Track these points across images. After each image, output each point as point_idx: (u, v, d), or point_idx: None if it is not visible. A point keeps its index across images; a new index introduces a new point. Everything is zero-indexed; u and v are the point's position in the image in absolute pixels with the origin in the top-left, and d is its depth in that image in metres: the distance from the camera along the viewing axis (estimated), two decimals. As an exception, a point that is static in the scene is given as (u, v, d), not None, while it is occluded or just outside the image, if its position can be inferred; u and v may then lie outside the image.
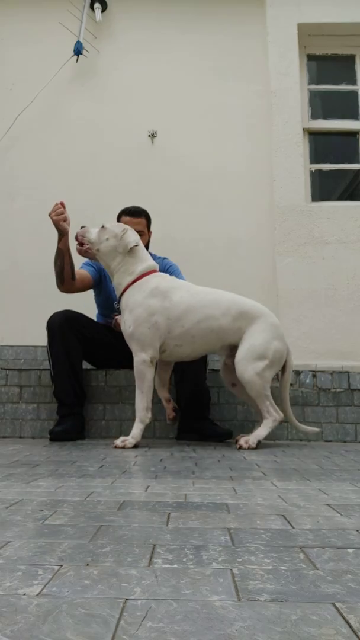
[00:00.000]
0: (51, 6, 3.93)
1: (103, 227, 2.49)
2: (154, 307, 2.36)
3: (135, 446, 2.30)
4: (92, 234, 2.50)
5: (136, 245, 2.44)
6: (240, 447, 2.28)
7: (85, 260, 2.95)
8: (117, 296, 2.51)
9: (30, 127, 3.85)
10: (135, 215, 2.89)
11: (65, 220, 2.62)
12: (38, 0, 3.98)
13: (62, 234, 2.65)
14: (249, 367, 2.35)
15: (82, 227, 2.55)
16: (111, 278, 2.54)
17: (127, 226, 2.52)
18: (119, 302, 2.49)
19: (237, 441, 2.36)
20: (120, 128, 3.87)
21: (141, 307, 2.37)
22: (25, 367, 3.19)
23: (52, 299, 3.22)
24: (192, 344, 2.42)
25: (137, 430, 2.34)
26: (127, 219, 2.87)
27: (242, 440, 2.30)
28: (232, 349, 2.47)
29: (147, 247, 2.95)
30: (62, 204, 2.63)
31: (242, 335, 2.42)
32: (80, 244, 2.52)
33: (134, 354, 2.39)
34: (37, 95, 3.80)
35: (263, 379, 2.36)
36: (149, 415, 2.37)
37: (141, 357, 2.36)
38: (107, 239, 2.46)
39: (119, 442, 2.30)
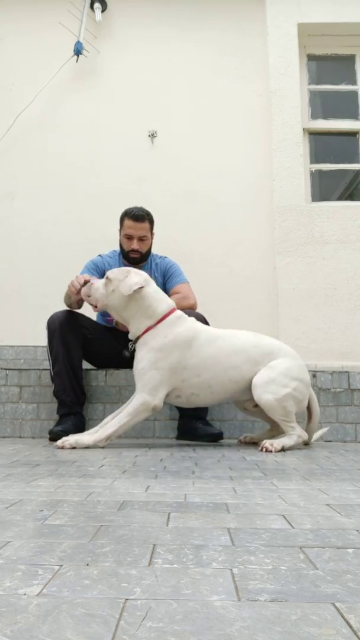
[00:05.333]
0: (51, 6, 3.93)
1: (107, 278, 2.36)
2: (173, 357, 2.27)
3: (73, 447, 2.18)
4: (98, 289, 2.37)
5: (141, 288, 2.30)
6: (266, 450, 2.17)
7: (87, 263, 2.94)
8: (132, 337, 2.38)
9: (30, 127, 3.85)
10: (139, 220, 2.84)
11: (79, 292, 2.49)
12: (38, 0, 3.98)
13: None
14: (268, 391, 2.25)
15: (85, 283, 2.41)
16: (127, 325, 2.41)
17: (130, 269, 2.38)
18: (133, 344, 2.36)
19: (261, 447, 2.23)
20: (120, 128, 3.87)
21: (161, 352, 2.27)
22: (25, 367, 3.19)
23: (52, 299, 3.22)
24: (210, 393, 2.34)
25: (88, 440, 2.20)
26: (131, 223, 2.84)
27: (268, 443, 2.21)
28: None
29: (149, 250, 2.94)
30: (85, 281, 2.46)
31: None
32: (90, 303, 2.42)
33: (136, 392, 2.30)
34: (37, 95, 3.80)
35: (284, 406, 2.26)
36: (104, 442, 2.24)
37: (143, 399, 2.26)
38: (113, 290, 2.33)
39: (60, 443, 2.20)
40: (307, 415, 2.46)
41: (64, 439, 2.23)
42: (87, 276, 2.49)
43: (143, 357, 2.29)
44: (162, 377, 2.27)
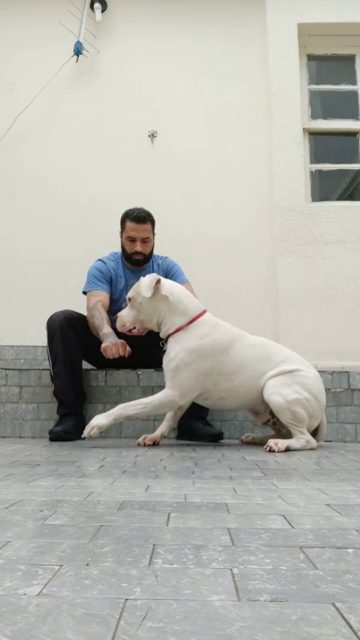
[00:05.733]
0: (51, 6, 3.93)
1: (128, 299, 2.40)
2: (208, 362, 2.27)
3: (100, 433, 2.23)
4: (128, 315, 2.39)
5: (158, 281, 2.32)
6: (271, 450, 2.16)
7: (92, 272, 2.89)
8: (164, 335, 2.38)
9: (30, 127, 3.85)
10: (141, 221, 2.82)
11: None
12: (38, 0, 3.98)
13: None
14: (278, 391, 2.25)
15: (116, 318, 2.45)
16: (159, 329, 2.40)
17: (140, 280, 2.38)
18: (165, 342, 2.36)
19: (266, 446, 2.22)
20: (121, 128, 3.87)
21: (196, 354, 2.26)
22: (25, 367, 3.19)
23: (52, 299, 3.22)
24: (237, 398, 2.35)
25: (106, 421, 2.21)
26: (133, 225, 2.82)
27: (272, 442, 2.19)
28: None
29: (152, 251, 2.93)
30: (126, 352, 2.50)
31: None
32: (129, 330, 2.42)
33: (167, 387, 2.28)
34: (37, 95, 3.80)
35: (293, 411, 2.24)
36: (121, 419, 2.28)
37: (173, 396, 2.25)
38: (141, 303, 2.35)
39: (85, 433, 2.23)
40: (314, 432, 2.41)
41: (87, 429, 2.23)
42: (115, 352, 2.48)
43: (177, 355, 2.27)
44: (196, 381, 2.27)
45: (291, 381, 2.29)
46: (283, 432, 2.44)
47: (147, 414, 2.29)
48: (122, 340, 2.51)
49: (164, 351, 2.38)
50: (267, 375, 2.32)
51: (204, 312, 2.39)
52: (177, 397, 2.27)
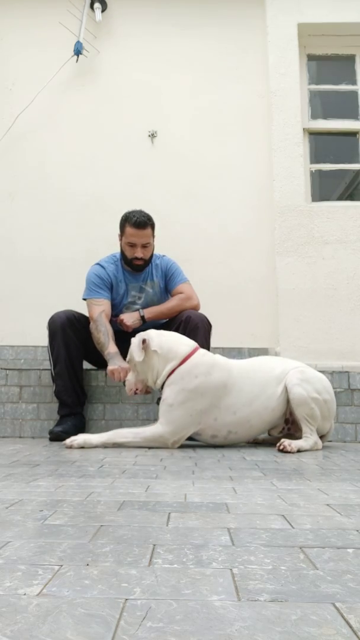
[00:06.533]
0: (51, 6, 3.93)
1: (129, 362, 2.40)
2: (205, 401, 2.23)
3: (82, 447, 2.21)
4: (131, 379, 2.38)
5: (144, 341, 2.31)
6: (284, 449, 2.14)
7: (91, 278, 2.85)
8: (158, 387, 2.34)
9: (30, 127, 3.85)
10: (141, 227, 2.75)
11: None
12: (38, 1, 3.98)
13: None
14: (302, 386, 2.26)
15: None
16: (153, 383, 2.35)
17: (138, 338, 2.34)
18: (161, 390, 2.32)
19: (280, 444, 2.20)
20: (120, 128, 3.87)
21: (192, 393, 2.22)
22: (25, 367, 3.19)
23: (52, 299, 3.22)
24: (249, 428, 2.32)
25: (97, 441, 2.21)
26: (133, 230, 2.75)
27: (286, 442, 2.18)
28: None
29: (152, 255, 2.91)
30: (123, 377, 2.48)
31: None
32: (135, 393, 2.41)
33: (159, 423, 2.25)
34: (37, 95, 3.80)
35: (311, 405, 2.25)
36: (110, 445, 2.23)
37: (164, 433, 2.21)
38: (135, 365, 2.34)
39: (68, 442, 2.22)
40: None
41: (73, 438, 2.23)
42: (123, 375, 2.48)
43: (170, 394, 2.24)
44: (191, 419, 2.24)
45: (310, 376, 2.33)
46: (297, 435, 2.41)
47: (137, 444, 2.25)
48: (127, 365, 2.48)
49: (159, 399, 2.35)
50: (277, 393, 2.31)
51: (195, 349, 2.33)
52: (168, 433, 2.22)
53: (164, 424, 2.24)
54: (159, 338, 2.34)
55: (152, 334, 2.36)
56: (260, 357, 2.47)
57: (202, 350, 2.36)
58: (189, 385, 2.23)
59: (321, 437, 2.38)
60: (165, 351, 2.30)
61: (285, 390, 2.32)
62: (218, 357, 2.37)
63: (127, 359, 2.43)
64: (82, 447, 2.20)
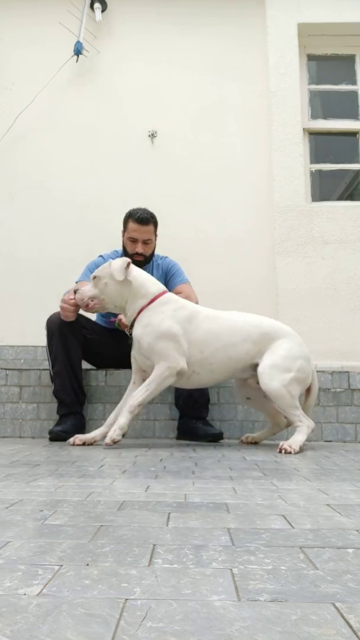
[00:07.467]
0: (51, 6, 3.93)
1: (94, 277, 2.38)
2: (175, 329, 2.28)
3: (123, 435, 2.24)
4: (89, 290, 2.38)
5: (129, 264, 2.35)
6: (286, 451, 2.16)
7: (88, 265, 2.90)
8: (129, 321, 2.39)
9: (30, 127, 3.85)
10: (144, 223, 2.80)
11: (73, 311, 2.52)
12: (38, 0, 3.98)
13: None
14: (275, 378, 2.26)
15: (74, 292, 2.43)
16: (123, 313, 2.42)
17: (111, 262, 2.37)
18: (130, 328, 2.38)
19: (280, 449, 2.19)
20: (121, 128, 3.87)
21: (162, 326, 2.27)
22: (25, 367, 3.19)
23: (52, 299, 3.21)
24: (210, 372, 2.35)
25: (124, 419, 2.24)
26: (135, 226, 2.80)
27: (286, 444, 2.17)
28: (254, 367, 2.38)
29: (153, 252, 2.92)
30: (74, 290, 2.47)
31: (264, 353, 2.34)
32: (86, 305, 2.41)
33: (155, 366, 2.27)
34: (37, 95, 3.80)
35: (290, 392, 2.27)
36: (139, 411, 2.30)
37: (167, 364, 2.25)
38: (106, 284, 2.34)
39: (108, 440, 2.22)
40: (305, 393, 2.44)
41: (109, 435, 2.24)
42: (70, 293, 2.48)
43: (144, 332, 2.29)
44: (174, 344, 2.27)
45: (277, 356, 2.31)
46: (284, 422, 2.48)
47: (155, 392, 2.27)
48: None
49: (131, 334, 2.39)
50: (242, 347, 2.33)
51: (164, 292, 2.41)
52: (171, 363, 2.25)
53: (157, 361, 2.27)
54: (137, 272, 2.40)
55: (134, 266, 2.42)
56: (233, 312, 2.48)
57: (169, 294, 2.43)
58: (156, 319, 2.29)
59: (305, 405, 2.42)
60: (139, 285, 2.36)
61: (252, 349, 2.34)
62: (183, 299, 2.45)
63: (95, 273, 2.39)
64: (84, 444, 2.30)
